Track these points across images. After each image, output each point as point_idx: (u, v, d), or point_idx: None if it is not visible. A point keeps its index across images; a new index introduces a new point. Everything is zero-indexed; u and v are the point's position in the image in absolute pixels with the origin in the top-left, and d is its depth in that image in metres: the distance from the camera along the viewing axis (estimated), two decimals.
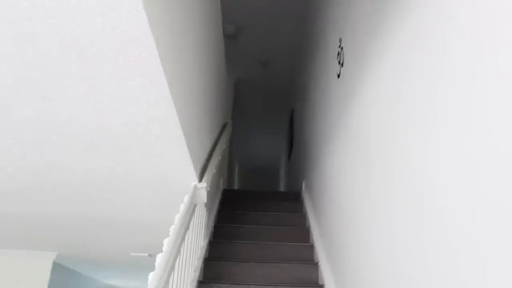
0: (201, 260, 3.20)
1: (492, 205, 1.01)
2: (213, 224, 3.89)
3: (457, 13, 1.25)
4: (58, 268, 6.28)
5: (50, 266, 6.00)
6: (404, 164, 1.62)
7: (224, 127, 4.65)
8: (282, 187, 9.65)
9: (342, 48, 2.90)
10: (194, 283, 2.90)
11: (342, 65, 2.86)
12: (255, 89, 5.86)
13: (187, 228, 2.50)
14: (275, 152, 10.27)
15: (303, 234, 3.88)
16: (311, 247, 3.59)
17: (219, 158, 3.83)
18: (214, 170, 3.38)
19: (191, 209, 2.63)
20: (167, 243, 2.13)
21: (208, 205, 3.57)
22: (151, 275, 1.86)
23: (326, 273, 3.02)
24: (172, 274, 2.17)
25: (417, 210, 1.47)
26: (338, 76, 2.97)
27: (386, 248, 1.79)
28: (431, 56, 1.41)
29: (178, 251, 2.27)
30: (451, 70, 1.26)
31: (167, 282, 1.95)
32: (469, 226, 1.13)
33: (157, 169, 2.77)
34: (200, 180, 2.99)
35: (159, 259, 1.99)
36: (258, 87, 6.16)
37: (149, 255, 5.86)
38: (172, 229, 2.27)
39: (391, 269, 1.72)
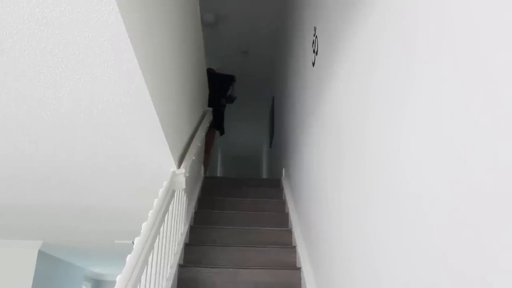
0: (181, 245, 3.27)
1: (466, 192, 1.10)
2: (194, 210, 3.97)
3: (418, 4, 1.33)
4: (43, 257, 6.29)
5: (35, 255, 6.01)
6: (373, 152, 1.69)
7: (204, 115, 4.71)
8: (264, 174, 9.75)
9: (316, 36, 2.98)
10: (175, 267, 2.98)
11: (316, 53, 2.94)
12: (236, 77, 5.93)
13: (165, 212, 2.57)
14: (257, 140, 10.35)
15: (282, 219, 3.97)
16: (290, 232, 3.69)
17: (199, 145, 3.89)
18: (193, 157, 3.45)
19: (169, 194, 2.69)
20: (145, 226, 2.20)
21: (188, 192, 3.63)
22: (128, 257, 1.92)
23: (303, 256, 3.11)
24: (151, 257, 2.24)
25: (386, 197, 1.54)
26: (313, 64, 3.05)
27: (355, 233, 1.88)
28: (397, 44, 1.49)
29: (156, 235, 2.34)
30: (419, 58, 1.34)
31: (144, 264, 2.02)
32: (433, 210, 1.22)
33: (135, 156, 2.82)
34: (179, 166, 3.05)
35: (137, 241, 2.05)
36: (239, 76, 6.22)
37: (133, 242, 5.92)
38: (150, 213, 2.34)
39: (360, 252, 1.81)
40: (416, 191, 1.25)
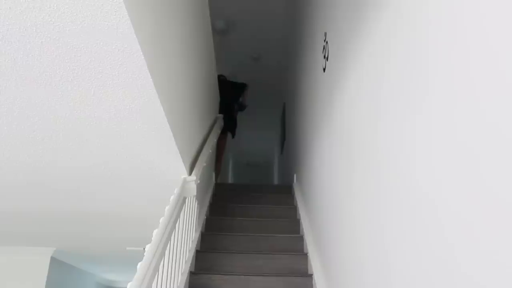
0: (192, 252, 3.27)
1: (477, 194, 1.08)
2: (205, 217, 3.96)
3: (429, 8, 1.32)
4: (56, 264, 6.33)
5: (48, 262, 6.04)
6: (385, 158, 1.67)
7: (215, 121, 4.71)
8: (275, 181, 9.73)
9: (327, 42, 2.97)
10: (186, 274, 2.98)
11: (327, 59, 2.93)
12: (248, 85, 5.95)
13: (177, 219, 2.57)
14: (268, 146, 10.34)
15: (294, 226, 3.95)
16: (301, 238, 3.67)
17: (210, 151, 3.89)
18: (204, 164, 3.45)
19: (181, 201, 2.69)
20: (156, 234, 2.20)
21: (199, 198, 3.63)
22: (139, 265, 1.93)
23: (315, 263, 3.09)
24: (162, 264, 2.24)
25: (397, 204, 1.53)
26: (324, 70, 3.04)
27: (368, 239, 1.86)
28: (409, 48, 1.48)
29: (167, 242, 2.33)
30: (432, 63, 1.33)
31: (155, 271, 2.02)
32: (447, 216, 1.20)
33: (147, 164, 2.83)
34: (190, 173, 3.06)
35: (148, 248, 2.05)
36: (250, 82, 6.22)
37: (144, 249, 5.92)
38: (161, 220, 2.34)
39: (373, 259, 1.79)
40: (430, 197, 1.23)
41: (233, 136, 5.83)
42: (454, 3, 1.12)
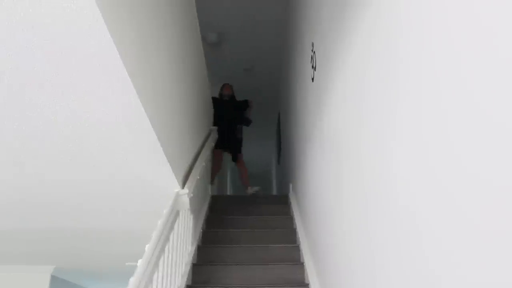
0: (189, 265, 3.27)
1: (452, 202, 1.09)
2: (202, 230, 3.97)
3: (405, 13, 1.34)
4: (56, 282, 6.28)
5: (48, 280, 6.01)
6: (368, 163, 1.68)
7: (209, 134, 4.73)
8: (274, 191, 9.72)
9: (314, 52, 3.00)
10: None
11: (315, 69, 2.96)
12: (241, 95, 5.96)
13: (170, 232, 2.57)
14: (266, 156, 10.34)
15: (290, 236, 3.95)
16: (298, 248, 3.67)
17: (204, 164, 3.90)
18: (198, 177, 3.45)
19: (174, 214, 2.70)
20: (148, 248, 2.20)
21: (195, 211, 3.64)
22: (131, 280, 1.93)
23: (311, 272, 3.09)
24: (156, 279, 2.24)
25: (381, 214, 1.53)
26: (312, 80, 3.06)
27: (357, 247, 1.86)
28: (385, 57, 1.50)
29: (160, 255, 2.34)
30: (403, 71, 1.35)
31: (147, 286, 2.02)
32: (432, 221, 1.21)
33: (138, 178, 2.84)
34: (183, 186, 3.06)
35: (140, 263, 2.05)
36: (244, 93, 6.25)
37: None
38: (154, 234, 2.34)
39: (362, 267, 1.79)
40: (406, 203, 1.25)
41: (240, 152, 5.81)
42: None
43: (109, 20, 1.56)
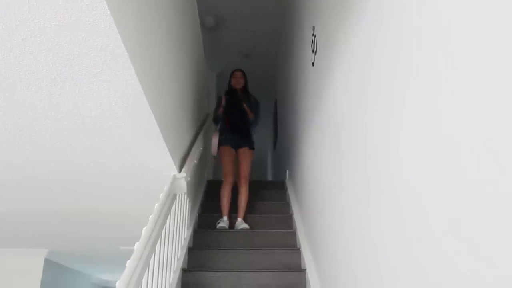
0: (185, 249, 3.25)
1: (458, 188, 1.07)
2: (197, 214, 3.95)
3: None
4: (50, 265, 6.29)
5: (42, 263, 6.00)
6: (372, 150, 1.66)
7: (206, 119, 4.69)
8: (269, 177, 9.72)
9: (315, 36, 2.95)
10: (178, 272, 2.96)
11: (315, 53, 2.92)
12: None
13: (167, 216, 2.55)
14: (261, 143, 10.31)
15: (287, 221, 3.94)
16: (294, 233, 3.66)
17: (201, 148, 3.88)
18: (195, 161, 3.43)
19: (170, 198, 2.68)
20: (145, 231, 2.18)
21: (191, 196, 3.62)
22: (128, 262, 1.91)
23: (308, 257, 3.09)
24: (152, 261, 2.22)
25: (385, 197, 1.51)
26: (313, 64, 3.02)
27: (358, 233, 1.85)
28: (393, 41, 1.47)
29: (157, 239, 2.32)
30: (415, 55, 1.32)
31: (144, 268, 2.00)
32: (434, 209, 1.19)
33: (136, 161, 2.81)
34: (180, 170, 3.04)
35: (136, 246, 2.03)
36: None
37: None
38: (151, 217, 2.32)
39: (363, 252, 1.78)
40: (415, 190, 1.22)
41: (253, 147, 4.51)
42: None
43: (110, 2, 1.52)
